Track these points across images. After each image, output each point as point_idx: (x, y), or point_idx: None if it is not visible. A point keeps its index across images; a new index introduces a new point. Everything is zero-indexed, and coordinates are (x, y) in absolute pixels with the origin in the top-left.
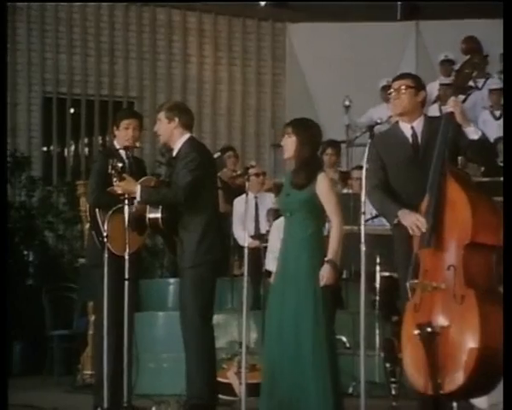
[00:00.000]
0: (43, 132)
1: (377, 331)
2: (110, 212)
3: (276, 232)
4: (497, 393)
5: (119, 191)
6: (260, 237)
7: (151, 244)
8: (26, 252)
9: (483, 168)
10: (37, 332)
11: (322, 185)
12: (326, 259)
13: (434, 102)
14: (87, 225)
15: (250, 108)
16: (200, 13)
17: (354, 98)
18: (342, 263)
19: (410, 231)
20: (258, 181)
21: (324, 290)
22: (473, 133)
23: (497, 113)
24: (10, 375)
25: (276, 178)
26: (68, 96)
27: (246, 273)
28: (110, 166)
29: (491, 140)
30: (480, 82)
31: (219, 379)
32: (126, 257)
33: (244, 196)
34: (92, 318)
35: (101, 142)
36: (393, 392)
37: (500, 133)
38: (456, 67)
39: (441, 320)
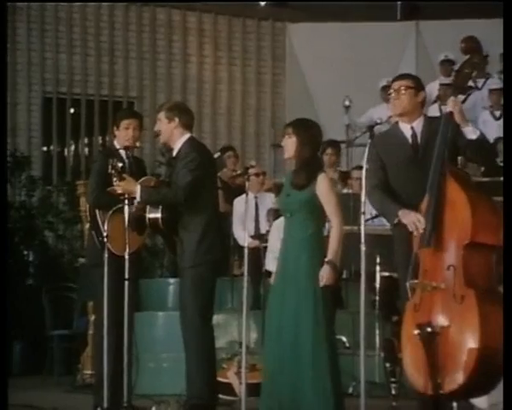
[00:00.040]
0: (43, 132)
1: (377, 331)
2: (110, 212)
3: (276, 232)
4: (497, 393)
5: (119, 191)
6: (260, 237)
7: (151, 244)
8: (26, 252)
9: (483, 168)
10: (37, 332)
11: (323, 186)
12: (326, 259)
13: (434, 102)
14: (87, 225)
15: (250, 108)
16: (200, 13)
17: (354, 98)
18: (342, 263)
19: (410, 229)
20: (258, 181)
21: (324, 291)
22: (471, 133)
23: (497, 113)
24: (10, 375)
25: (276, 178)
26: (68, 95)
27: (246, 273)
28: (110, 166)
29: (492, 140)
30: (480, 82)
31: (219, 379)
32: (126, 257)
33: (244, 195)
34: (92, 318)
35: (101, 142)
36: (393, 392)
37: (500, 133)
38: (456, 67)
39: (441, 320)
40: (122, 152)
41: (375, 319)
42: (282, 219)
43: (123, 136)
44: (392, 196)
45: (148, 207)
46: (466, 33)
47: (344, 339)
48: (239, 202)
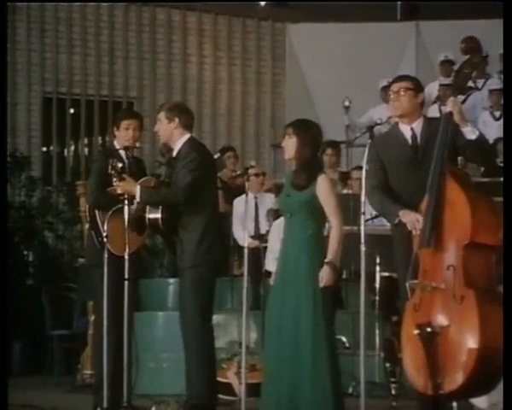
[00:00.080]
0: (43, 132)
1: (377, 331)
2: (110, 212)
3: (276, 232)
4: (497, 392)
5: (119, 191)
6: (260, 237)
7: (151, 244)
8: (25, 252)
9: (483, 168)
10: (37, 332)
11: (323, 187)
12: (326, 260)
13: (434, 102)
14: (87, 226)
15: (250, 108)
16: (200, 13)
17: (354, 98)
18: (342, 263)
19: (409, 228)
20: (257, 181)
21: (324, 291)
22: (470, 133)
23: (497, 113)
24: (10, 375)
25: (276, 178)
26: (68, 96)
27: (246, 273)
28: (110, 166)
29: (491, 141)
30: (480, 82)
31: (219, 379)
32: (126, 257)
33: (244, 196)
34: (92, 318)
35: (100, 142)
36: (393, 392)
37: (500, 134)
38: (456, 67)
39: (441, 320)
40: (122, 152)
41: (374, 319)
42: (281, 219)
43: (123, 136)
44: (392, 197)
45: (147, 207)
46: (466, 34)
47: (344, 339)
48: (239, 203)
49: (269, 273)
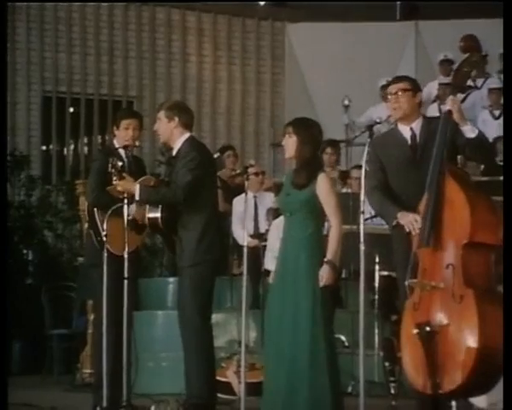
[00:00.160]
0: (43, 131)
1: (376, 331)
2: (109, 211)
3: (276, 231)
4: (497, 392)
5: (119, 190)
6: (259, 236)
7: (150, 243)
8: (25, 251)
9: (482, 167)
10: (37, 331)
11: (323, 186)
12: (325, 259)
13: (434, 101)
14: (86, 225)
15: (249, 108)
16: (200, 12)
17: (353, 98)
18: (341, 262)
19: (407, 229)
20: (257, 180)
21: (323, 290)
22: (470, 132)
23: (497, 112)
24: (10, 374)
25: (276, 177)
26: (68, 95)
27: (245, 272)
28: (110, 165)
29: (491, 140)
30: (480, 81)
31: (218, 378)
32: (125, 256)
33: (243, 195)
34: (91, 317)
35: (100, 141)
36: (392, 391)
37: (499, 133)
38: (456, 66)
39: (440, 319)
40: (121, 151)
41: (374, 318)
42: (281, 218)
43: (123, 136)
44: (392, 198)
45: (147, 206)
46: (465, 33)
47: (343, 338)
48: (238, 202)
49: (268, 272)
